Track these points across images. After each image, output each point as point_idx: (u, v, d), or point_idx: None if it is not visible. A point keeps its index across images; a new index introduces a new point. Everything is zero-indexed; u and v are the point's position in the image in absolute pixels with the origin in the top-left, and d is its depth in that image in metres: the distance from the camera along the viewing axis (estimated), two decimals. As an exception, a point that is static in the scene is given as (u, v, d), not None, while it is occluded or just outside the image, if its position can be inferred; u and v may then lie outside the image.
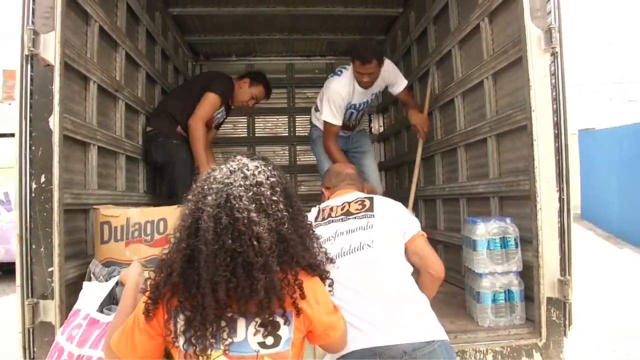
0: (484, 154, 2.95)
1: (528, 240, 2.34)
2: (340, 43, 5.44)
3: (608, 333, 5.02)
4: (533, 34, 2.24)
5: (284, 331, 1.33)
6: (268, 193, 1.34)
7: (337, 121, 3.57)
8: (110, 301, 1.87)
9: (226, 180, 1.34)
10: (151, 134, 3.50)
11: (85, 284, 2.00)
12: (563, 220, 2.24)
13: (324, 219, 2.07)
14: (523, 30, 2.25)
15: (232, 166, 1.39)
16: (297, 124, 5.83)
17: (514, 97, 2.60)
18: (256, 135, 5.81)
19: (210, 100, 3.57)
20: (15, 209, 2.08)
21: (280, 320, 1.32)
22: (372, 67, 3.32)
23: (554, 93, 2.26)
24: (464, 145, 3.27)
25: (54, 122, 2.06)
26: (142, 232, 2.25)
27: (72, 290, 2.32)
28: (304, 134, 5.79)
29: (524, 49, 2.25)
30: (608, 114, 13.63)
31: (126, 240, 2.26)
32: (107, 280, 2.00)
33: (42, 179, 2.07)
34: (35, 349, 2.05)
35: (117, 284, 1.89)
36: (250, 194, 1.32)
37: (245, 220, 1.27)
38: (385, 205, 2.08)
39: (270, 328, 1.31)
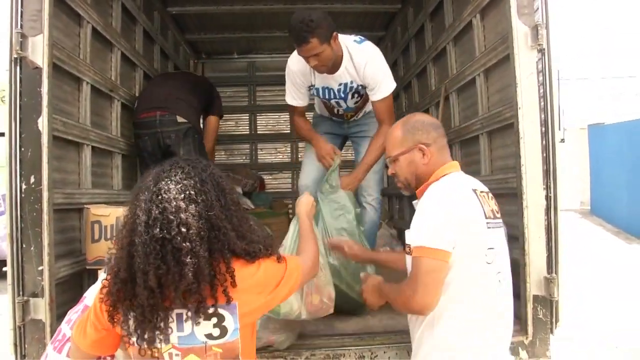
0: (477, 151, 2.95)
1: (517, 237, 2.33)
2: (340, 40, 5.44)
3: (612, 329, 5.00)
4: (520, 30, 2.22)
5: (230, 321, 1.39)
6: (198, 185, 1.39)
7: (297, 101, 2.95)
8: None
9: (158, 178, 1.40)
10: (185, 126, 3.32)
11: (100, 274, 2.04)
12: (550, 218, 2.23)
13: (487, 215, 1.73)
14: (510, 27, 2.24)
15: (165, 166, 1.44)
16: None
17: (503, 94, 2.59)
18: (258, 132, 5.85)
19: (216, 126, 3.95)
20: (6, 209, 2.12)
21: (225, 312, 1.38)
22: (312, 48, 2.56)
23: (542, 90, 2.24)
24: (459, 142, 3.27)
25: (42, 123, 2.10)
26: (131, 231, 2.28)
27: (63, 288, 2.37)
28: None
29: (511, 45, 2.24)
30: (618, 109, 13.46)
31: (116, 240, 2.29)
32: None
33: (32, 180, 2.11)
34: (26, 346, 2.09)
35: None
36: (180, 186, 1.37)
37: (173, 209, 1.33)
38: None
39: (216, 320, 1.37)
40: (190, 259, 1.31)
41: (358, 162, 2.96)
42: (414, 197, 1.91)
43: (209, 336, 1.38)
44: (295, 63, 2.84)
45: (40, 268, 2.09)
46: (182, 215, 1.33)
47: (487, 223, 1.72)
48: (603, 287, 6.45)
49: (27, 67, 2.11)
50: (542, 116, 2.24)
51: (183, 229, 1.32)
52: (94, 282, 2.37)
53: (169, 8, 4.39)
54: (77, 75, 2.61)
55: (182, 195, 1.35)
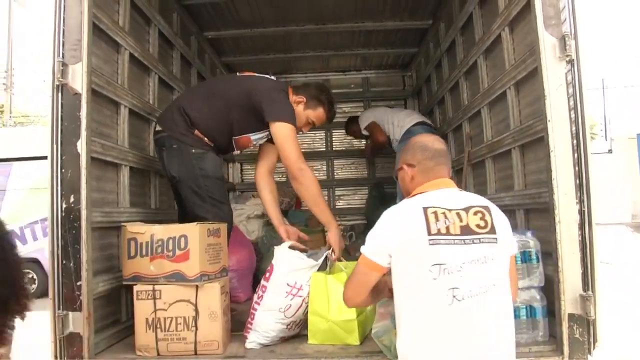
0: (510, 166, 2.89)
1: (550, 253, 2.27)
2: (374, 57, 5.49)
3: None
4: (547, 42, 2.19)
5: None
6: None
7: None
8: None
9: None
10: (160, 135, 2.79)
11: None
12: (584, 233, 2.16)
13: (439, 232, 1.70)
14: (537, 38, 2.21)
15: None
16: (334, 138, 5.90)
17: (535, 107, 2.54)
18: (295, 150, 5.90)
19: (291, 135, 2.73)
20: (49, 227, 2.24)
21: None
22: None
23: (572, 102, 2.19)
24: (491, 157, 3.22)
25: (81, 146, 2.22)
26: (164, 248, 2.35)
27: (102, 302, 2.46)
28: (341, 149, 5.86)
29: (538, 57, 2.21)
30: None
31: (150, 256, 2.37)
32: None
33: (72, 199, 2.22)
34: (65, 359, 2.19)
35: None
36: None
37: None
38: (503, 224, 1.81)
39: None
40: None
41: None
42: None
43: None
44: None
45: (78, 283, 2.19)
46: None
47: (432, 240, 1.69)
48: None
49: (68, 94, 2.25)
50: (573, 129, 2.19)
51: None
52: (130, 298, 2.47)
53: (205, 32, 4.54)
54: (116, 100, 2.74)
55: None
